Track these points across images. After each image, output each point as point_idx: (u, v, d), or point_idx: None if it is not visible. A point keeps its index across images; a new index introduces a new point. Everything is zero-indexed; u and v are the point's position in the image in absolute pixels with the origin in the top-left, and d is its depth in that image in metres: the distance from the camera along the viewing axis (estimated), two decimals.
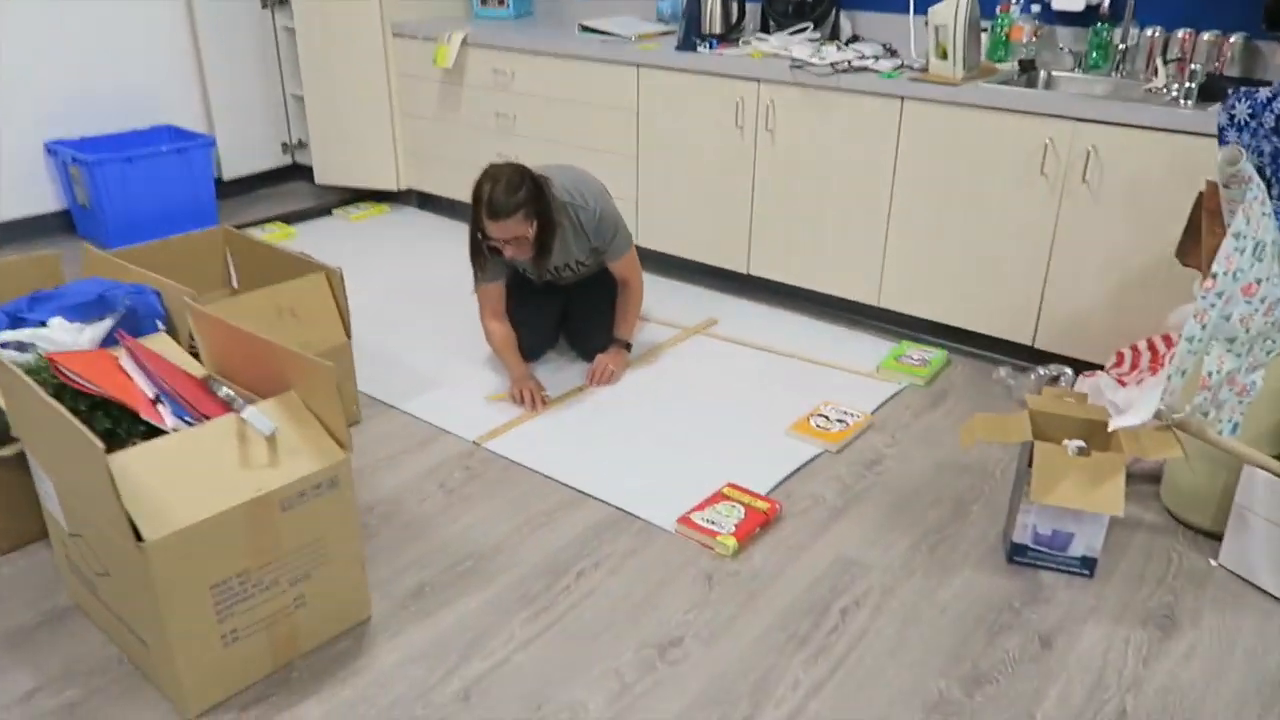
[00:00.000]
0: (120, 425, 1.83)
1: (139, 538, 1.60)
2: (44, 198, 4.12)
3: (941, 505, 2.38)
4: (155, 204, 4.04)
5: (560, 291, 3.05)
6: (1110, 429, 1.99)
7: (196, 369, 2.11)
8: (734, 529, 2.21)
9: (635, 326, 3.06)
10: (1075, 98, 2.69)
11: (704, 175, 3.46)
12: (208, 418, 1.83)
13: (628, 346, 3.01)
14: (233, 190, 4.64)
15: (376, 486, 2.42)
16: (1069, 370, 2.81)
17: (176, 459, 1.70)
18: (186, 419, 1.83)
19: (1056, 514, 2.06)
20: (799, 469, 2.51)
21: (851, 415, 2.73)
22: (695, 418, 2.75)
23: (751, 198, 3.37)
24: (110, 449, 1.59)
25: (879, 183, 3.08)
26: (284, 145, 4.79)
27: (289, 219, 4.33)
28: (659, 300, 3.52)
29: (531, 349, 3.05)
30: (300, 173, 4.72)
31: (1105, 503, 1.95)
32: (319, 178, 4.50)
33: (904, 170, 3.02)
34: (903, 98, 2.95)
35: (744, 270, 3.50)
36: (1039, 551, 2.13)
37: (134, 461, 1.64)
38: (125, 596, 1.78)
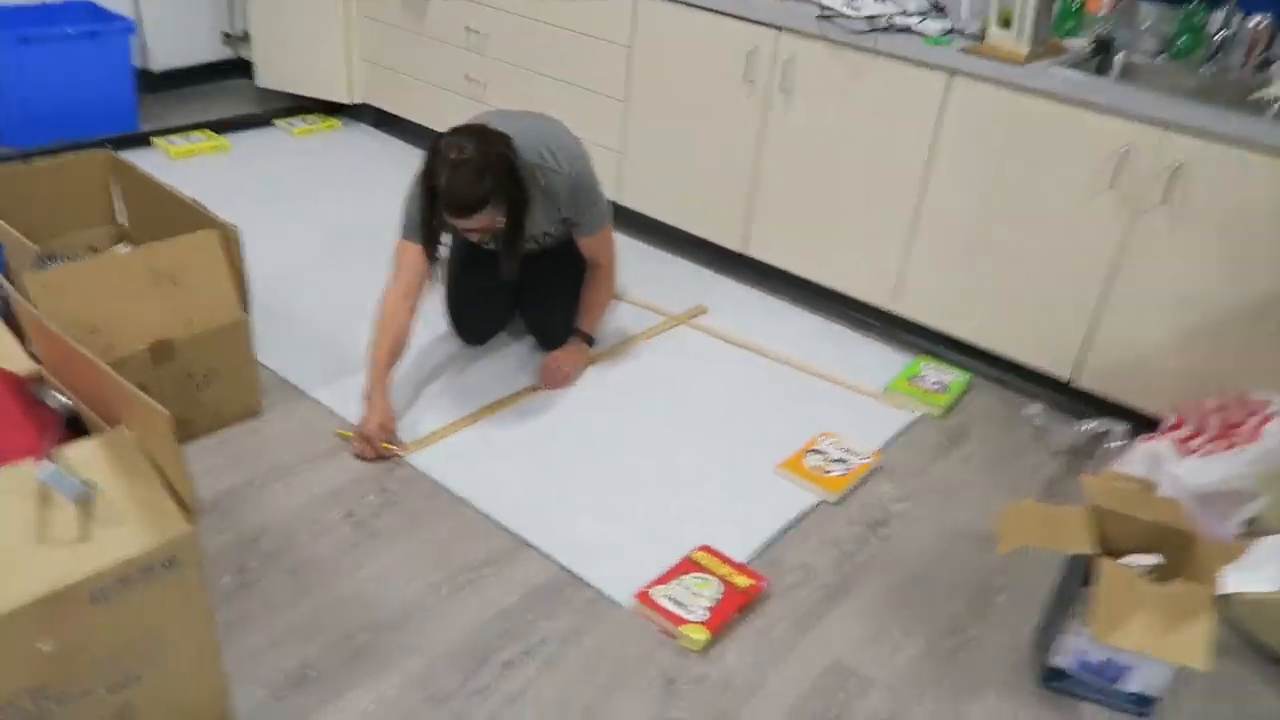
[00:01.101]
0: None
1: None
2: None
3: (960, 592, 1.95)
4: (60, 97, 3.42)
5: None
6: (1219, 592, 1.54)
7: (22, 363, 1.60)
8: (706, 615, 1.77)
9: (602, 317, 2.55)
10: (1168, 100, 2.18)
11: (703, 133, 2.93)
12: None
13: (590, 340, 2.51)
14: (162, 84, 4.01)
15: (265, 509, 1.95)
16: (1119, 428, 2.36)
17: None
18: None
19: None
20: (789, 526, 2.07)
21: (854, 455, 2.27)
22: (669, 440, 2.28)
23: (756, 166, 2.85)
24: None
25: (911, 169, 2.57)
26: (225, 35, 4.15)
27: (221, 127, 3.73)
28: (639, 274, 3.01)
29: (477, 332, 2.55)
30: (244, 69, 4.07)
31: (1187, 651, 1.53)
32: (260, 79, 3.88)
33: (943, 159, 2.51)
34: (951, 71, 2.42)
35: (740, 249, 3.00)
36: (1084, 682, 1.71)
37: None
38: None
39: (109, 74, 3.52)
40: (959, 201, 2.52)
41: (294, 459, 2.09)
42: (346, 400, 2.25)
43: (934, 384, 2.58)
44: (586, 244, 2.41)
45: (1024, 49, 2.38)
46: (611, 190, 3.16)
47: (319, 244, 3.00)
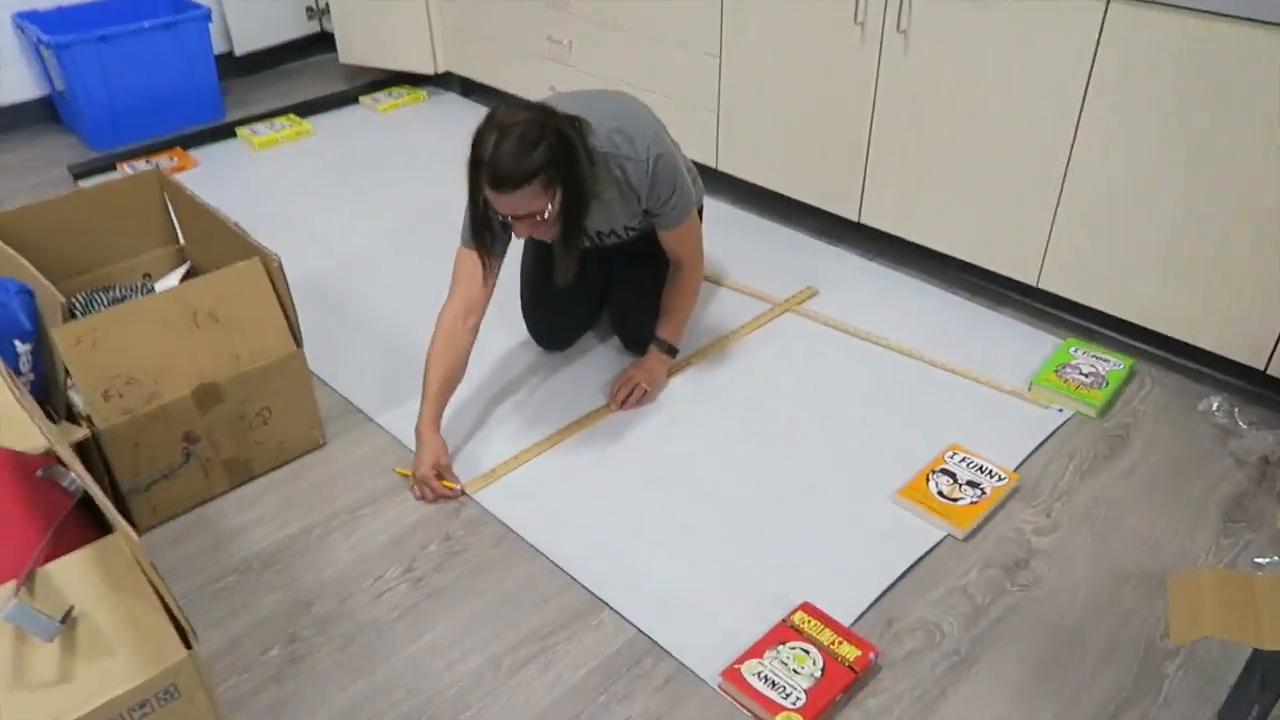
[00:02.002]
0: None
1: None
2: (22, 83, 3.48)
3: (1121, 657, 1.61)
4: (143, 93, 3.36)
5: (600, 256, 2.20)
6: None
7: (35, 438, 1.47)
8: (803, 699, 1.50)
9: (686, 322, 2.23)
10: None
11: (808, 87, 2.55)
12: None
13: (673, 351, 2.22)
14: (249, 67, 3.92)
15: (323, 563, 1.79)
16: None
17: None
18: None
19: None
20: (908, 571, 1.76)
21: (991, 475, 1.93)
22: (768, 464, 2.00)
23: (871, 122, 2.46)
24: None
25: (1058, 117, 2.13)
26: (309, 10, 4.00)
27: (305, 110, 3.59)
28: (740, 250, 2.70)
29: (555, 338, 2.31)
30: (330, 42, 3.92)
31: None
32: (343, 56, 3.71)
33: (1099, 103, 2.06)
34: None
35: (854, 217, 2.63)
36: None
37: None
38: None
39: (190, 64, 3.42)
40: (1120, 154, 2.08)
41: (356, 499, 1.93)
42: (413, 423, 2.07)
43: (1088, 375, 2.18)
44: (669, 238, 2.12)
45: None
46: (709, 155, 2.84)
47: (400, 230, 2.82)
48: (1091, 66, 2.03)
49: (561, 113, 1.82)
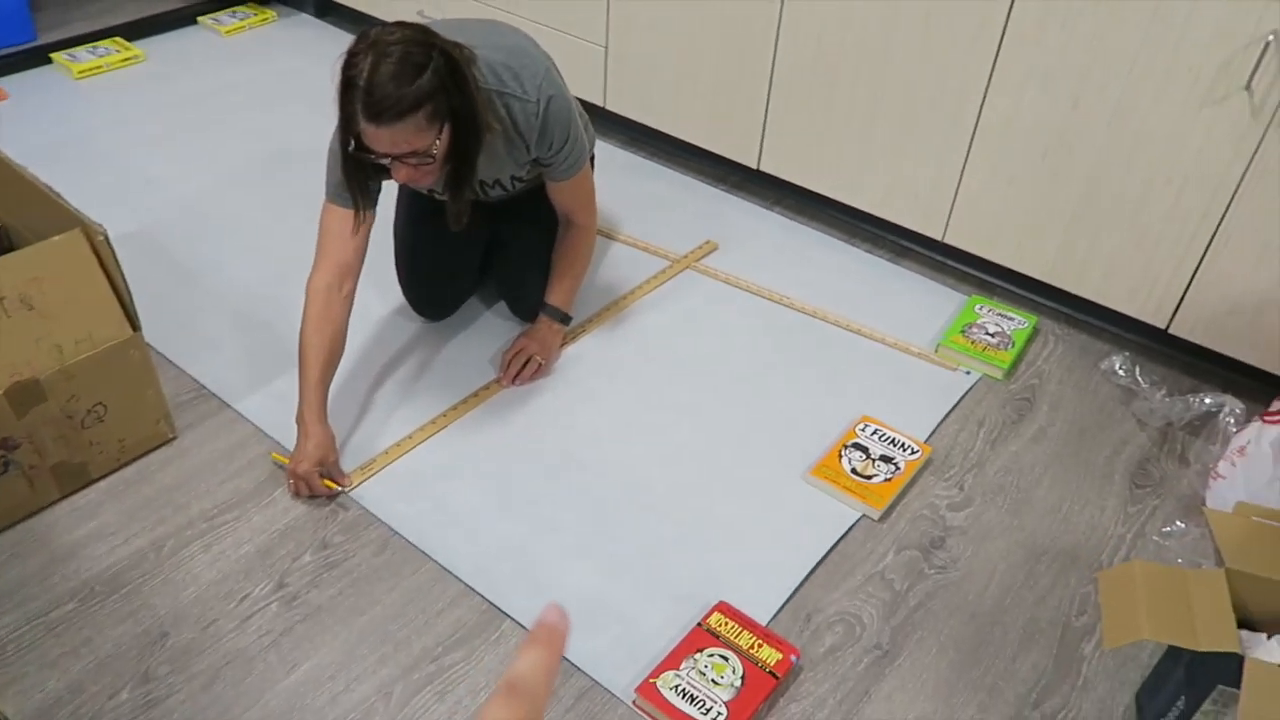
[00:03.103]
0: None
1: None
2: None
3: (1038, 642, 1.57)
4: None
5: (485, 212, 1.98)
6: None
7: None
8: (724, 713, 1.40)
9: (577, 286, 2.04)
10: None
11: (706, 23, 2.35)
12: None
13: (565, 318, 2.03)
14: None
15: (179, 584, 1.57)
16: (1236, 404, 1.91)
17: None
18: None
19: None
20: (824, 558, 1.68)
21: (904, 448, 1.85)
22: (672, 444, 1.87)
23: (773, 64, 2.29)
24: None
25: (970, 68, 2.02)
26: None
27: (134, 31, 3.16)
28: (634, 199, 2.52)
29: (436, 305, 2.10)
30: None
31: None
32: None
33: (1014, 53, 1.95)
34: None
35: (753, 164, 2.48)
36: None
37: None
38: None
39: None
40: (1035, 108, 1.98)
41: (215, 503, 1.70)
42: (280, 411, 1.85)
43: (994, 335, 2.12)
44: (558, 191, 1.92)
45: None
46: (596, 93, 2.63)
47: (256, 178, 2.51)
48: (1009, 14, 1.92)
49: (457, 49, 1.59)
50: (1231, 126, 1.77)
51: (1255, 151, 1.77)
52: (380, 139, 1.54)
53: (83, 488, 1.71)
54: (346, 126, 1.57)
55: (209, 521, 1.67)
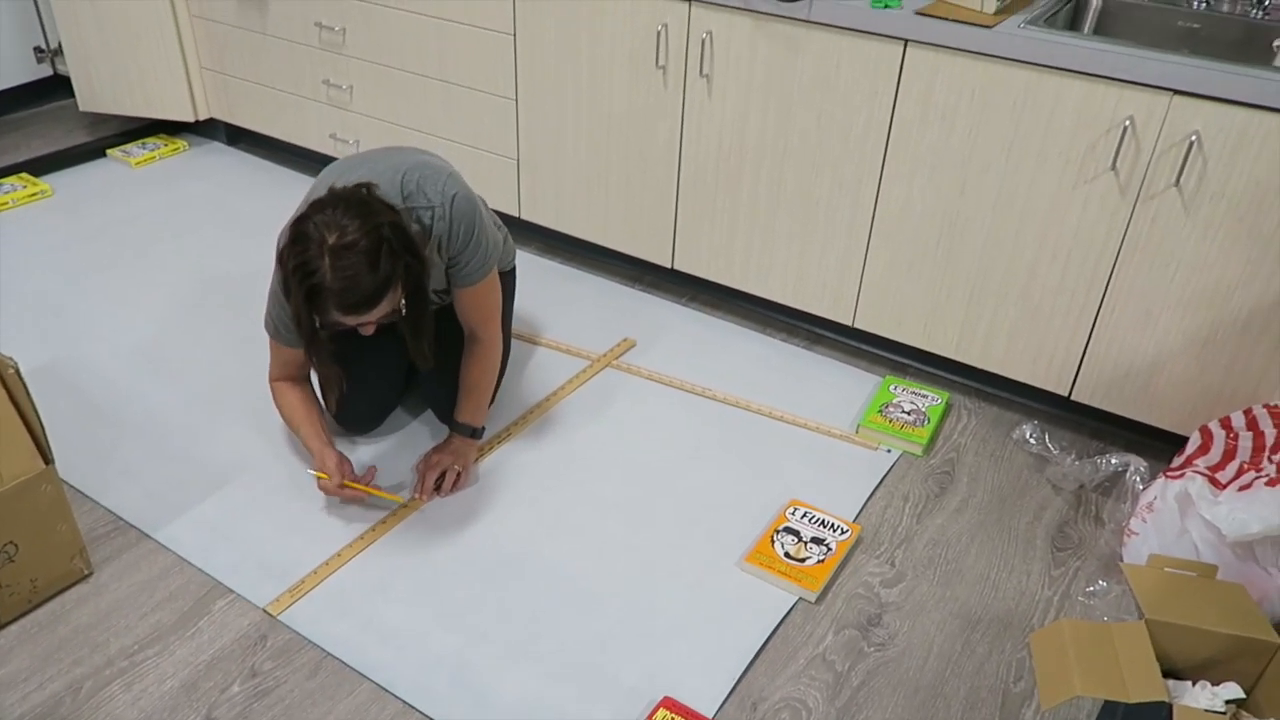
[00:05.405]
0: None
1: None
2: None
3: (979, 712, 1.58)
4: None
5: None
6: None
7: None
8: None
9: (487, 400, 2.04)
10: (1178, 65, 1.75)
11: (612, 132, 2.46)
12: None
13: (476, 433, 2.01)
14: None
15: None
16: (1140, 463, 2.00)
17: None
18: None
19: None
20: (765, 644, 1.68)
21: (834, 529, 1.89)
22: (603, 542, 1.86)
23: (679, 167, 2.40)
24: None
25: (863, 159, 2.14)
26: (37, 51, 3.52)
27: (41, 166, 3.14)
28: (553, 303, 2.57)
29: (363, 421, 2.09)
30: (67, 88, 3.47)
31: None
32: (83, 104, 3.28)
33: (903, 145, 2.09)
34: (905, 41, 1.99)
35: (667, 264, 2.56)
36: None
37: None
38: None
39: None
40: (925, 193, 2.11)
41: (135, 639, 1.63)
42: (204, 535, 1.80)
43: (910, 413, 2.20)
44: (465, 299, 1.94)
45: (991, 6, 1.96)
46: (510, 204, 2.71)
47: (169, 305, 2.48)
48: (893, 108, 2.06)
49: (363, 194, 1.64)
50: (1103, 204, 1.91)
51: (1127, 226, 1.91)
52: (354, 320, 1.65)
53: None
54: (308, 317, 1.64)
55: (129, 659, 1.60)
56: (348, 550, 1.81)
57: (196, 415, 2.12)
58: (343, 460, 1.87)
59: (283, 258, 1.61)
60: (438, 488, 1.94)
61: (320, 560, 1.79)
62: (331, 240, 1.56)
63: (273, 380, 1.98)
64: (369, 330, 1.72)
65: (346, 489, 1.84)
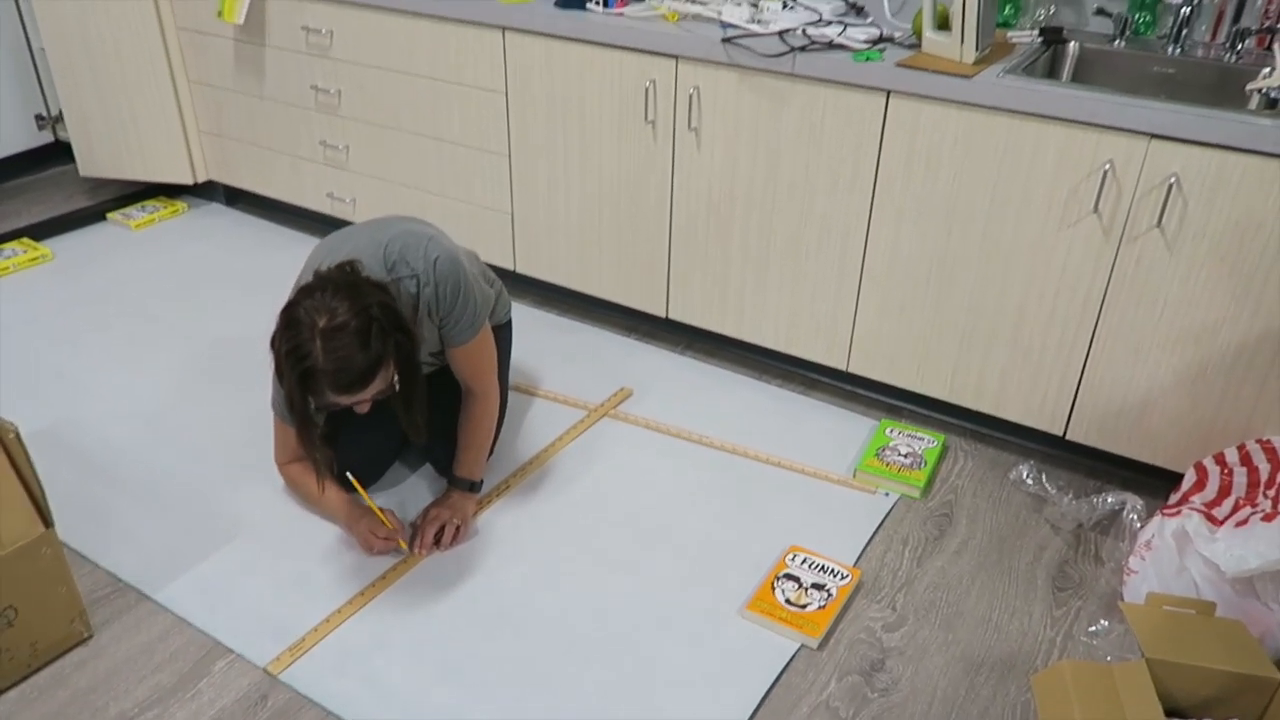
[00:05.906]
0: None
1: None
2: None
3: None
4: None
5: None
6: None
7: None
8: None
9: (485, 455, 2.06)
10: (1155, 110, 1.80)
11: (604, 186, 2.50)
12: None
13: (474, 487, 2.03)
14: None
15: None
16: (1137, 501, 2.01)
17: None
18: None
19: None
20: (769, 692, 1.67)
21: (834, 574, 1.89)
22: (604, 592, 1.86)
23: (670, 219, 2.44)
24: None
25: (851, 207, 2.18)
26: (39, 118, 3.59)
27: (42, 231, 3.18)
28: (549, 354, 2.59)
29: (366, 474, 2.09)
30: (68, 154, 3.52)
31: None
32: (84, 169, 3.34)
33: (890, 193, 2.12)
34: (888, 91, 2.04)
35: (661, 314, 2.59)
36: None
37: None
38: None
39: None
40: (914, 238, 2.14)
41: (136, 702, 1.63)
42: (205, 595, 1.80)
43: (907, 456, 2.21)
44: (459, 357, 1.96)
45: (970, 56, 2.01)
46: (506, 258, 2.74)
47: (169, 366, 2.50)
48: (879, 156, 2.10)
49: (348, 273, 1.68)
50: (1088, 245, 1.94)
51: (1113, 266, 1.94)
52: (349, 399, 1.68)
53: None
54: (302, 399, 1.67)
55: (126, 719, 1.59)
56: (347, 607, 1.81)
57: (195, 476, 2.13)
58: (373, 521, 1.91)
59: (275, 344, 1.64)
60: (437, 542, 1.94)
61: (320, 617, 1.78)
62: (322, 323, 1.59)
63: (282, 464, 2.02)
64: (364, 409, 1.75)
65: (394, 539, 1.91)
